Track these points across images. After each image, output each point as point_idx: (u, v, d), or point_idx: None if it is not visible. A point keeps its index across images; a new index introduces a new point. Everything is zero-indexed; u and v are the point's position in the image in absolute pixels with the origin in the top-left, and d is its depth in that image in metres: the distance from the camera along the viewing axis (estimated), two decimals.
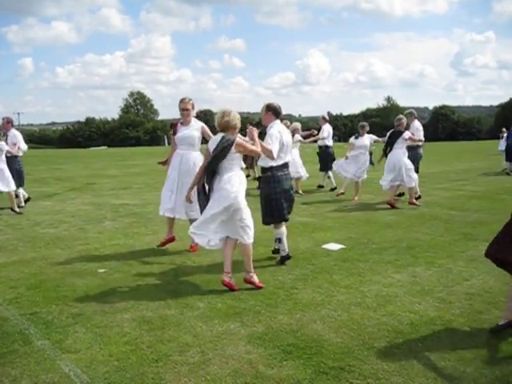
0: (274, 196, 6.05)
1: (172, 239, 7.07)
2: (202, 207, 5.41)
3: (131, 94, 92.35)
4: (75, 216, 9.91)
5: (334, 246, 7.07)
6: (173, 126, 7.11)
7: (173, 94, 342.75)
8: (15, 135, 10.93)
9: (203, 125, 6.97)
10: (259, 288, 5.30)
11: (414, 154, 11.18)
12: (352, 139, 12.15)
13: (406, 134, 10.51)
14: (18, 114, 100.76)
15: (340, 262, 6.27)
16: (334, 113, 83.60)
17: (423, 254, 6.56)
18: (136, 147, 55.89)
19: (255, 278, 5.38)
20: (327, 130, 13.60)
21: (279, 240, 6.29)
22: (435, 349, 3.88)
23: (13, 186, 10.35)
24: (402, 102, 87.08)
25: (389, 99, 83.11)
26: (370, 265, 6.16)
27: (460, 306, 4.74)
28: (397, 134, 10.56)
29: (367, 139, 11.98)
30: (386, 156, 10.84)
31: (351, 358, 3.75)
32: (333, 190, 13.43)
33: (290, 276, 5.75)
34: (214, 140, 5.43)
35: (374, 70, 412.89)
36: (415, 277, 5.65)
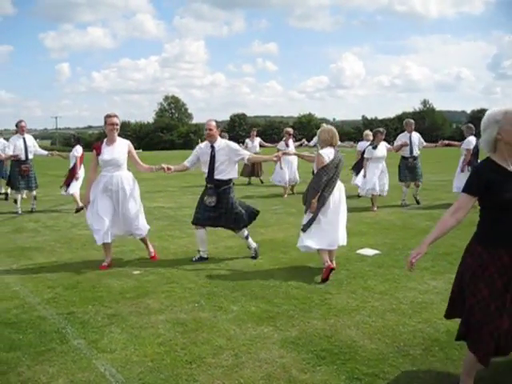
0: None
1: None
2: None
3: (166, 98, 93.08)
4: None
5: (368, 252, 7.01)
6: None
7: (207, 98, 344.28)
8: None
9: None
10: None
11: None
12: (369, 149, 10.86)
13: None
14: (56, 117, 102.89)
15: (375, 268, 6.21)
16: (368, 117, 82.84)
17: (460, 261, 6.42)
18: (170, 151, 56.30)
19: None
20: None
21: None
22: None
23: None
24: (438, 106, 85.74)
25: (425, 103, 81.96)
26: (405, 271, 6.05)
27: None
28: None
29: (384, 148, 10.93)
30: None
31: (386, 364, 3.71)
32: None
33: None
34: (330, 153, 5.92)
35: (410, 73, 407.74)
36: (452, 284, 5.54)
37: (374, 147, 10.80)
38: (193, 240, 7.70)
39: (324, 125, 6.34)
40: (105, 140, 6.42)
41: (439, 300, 5.04)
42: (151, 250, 6.88)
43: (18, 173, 10.89)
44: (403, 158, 11.55)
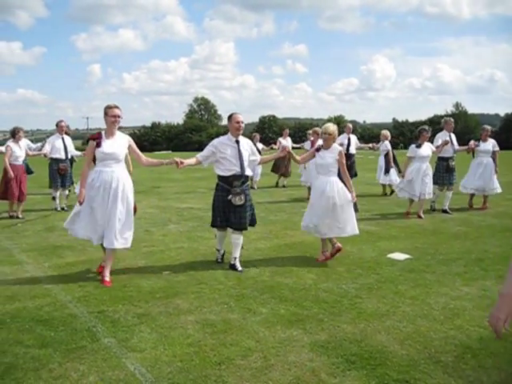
0: None
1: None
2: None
3: (195, 100, 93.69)
4: (141, 218, 10.08)
5: (399, 256, 6.93)
6: None
7: (236, 100, 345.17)
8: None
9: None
10: None
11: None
12: (413, 148, 10.23)
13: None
14: (87, 118, 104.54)
15: (405, 273, 6.14)
16: (399, 119, 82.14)
17: (493, 267, 6.32)
18: (199, 152, 56.61)
19: None
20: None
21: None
22: (506, 366, 3.73)
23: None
24: (470, 109, 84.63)
25: (457, 105, 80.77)
26: (436, 276, 6.00)
27: None
28: None
29: (429, 148, 10.33)
30: None
31: (417, 371, 3.65)
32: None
33: (353, 285, 5.67)
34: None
35: (441, 75, 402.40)
36: (485, 290, 5.45)
37: (418, 146, 10.11)
38: None
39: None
40: (103, 132, 5.85)
41: (471, 306, 4.96)
42: (107, 273, 5.87)
43: (56, 171, 11.30)
44: (442, 159, 10.83)
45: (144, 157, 6.24)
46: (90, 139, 5.89)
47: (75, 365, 3.75)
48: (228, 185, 6.26)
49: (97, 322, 4.58)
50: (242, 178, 6.29)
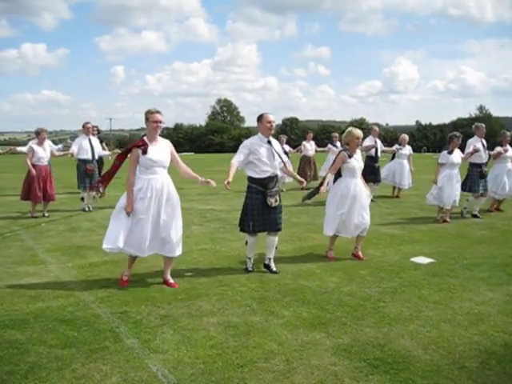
0: None
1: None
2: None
3: (218, 101, 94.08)
4: None
5: (422, 260, 6.87)
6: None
7: (259, 102, 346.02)
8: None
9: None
10: None
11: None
12: (445, 154, 9.85)
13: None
14: (110, 119, 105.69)
15: (429, 277, 6.08)
16: (422, 122, 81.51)
17: None
18: (221, 154, 56.66)
19: None
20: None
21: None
22: None
23: None
24: (495, 112, 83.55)
25: (481, 108, 79.78)
26: (460, 281, 5.93)
27: None
28: None
29: (459, 155, 10.00)
30: None
31: (441, 376, 3.62)
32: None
33: (376, 288, 5.63)
34: None
35: (465, 78, 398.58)
36: (510, 296, 5.37)
37: (450, 152, 9.78)
38: (244, 243, 7.73)
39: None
40: (145, 138, 5.67)
41: (496, 312, 4.90)
42: (169, 277, 5.91)
43: (83, 172, 11.44)
44: (474, 165, 10.45)
45: (183, 165, 6.03)
46: (133, 147, 5.66)
47: (98, 365, 3.78)
48: (263, 187, 6.15)
49: (120, 323, 4.61)
50: (275, 178, 6.26)
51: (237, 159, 6.18)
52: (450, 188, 9.80)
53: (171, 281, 5.84)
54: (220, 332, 4.40)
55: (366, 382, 3.54)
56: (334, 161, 6.94)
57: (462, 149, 10.34)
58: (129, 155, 5.74)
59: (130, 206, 5.54)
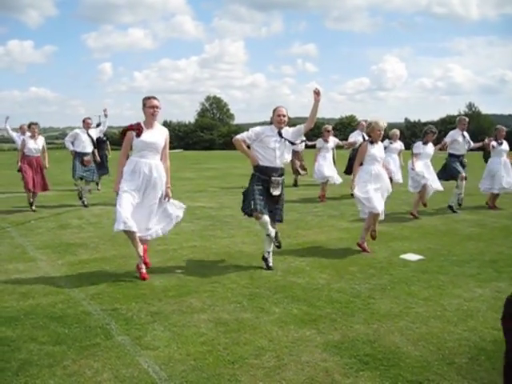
0: None
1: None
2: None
3: (207, 99, 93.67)
4: None
5: (412, 257, 6.90)
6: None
7: (247, 99, 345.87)
8: None
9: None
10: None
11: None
12: (420, 144, 10.23)
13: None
14: (99, 116, 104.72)
15: (419, 273, 6.11)
16: (411, 119, 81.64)
17: (507, 269, 6.28)
18: (210, 151, 56.59)
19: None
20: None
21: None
22: None
23: None
24: (483, 109, 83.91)
25: (470, 106, 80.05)
26: (450, 277, 5.97)
27: None
28: None
29: (432, 148, 10.40)
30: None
31: (430, 372, 3.64)
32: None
33: (366, 285, 5.66)
34: None
35: (452, 76, 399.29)
36: (499, 292, 5.41)
37: (425, 143, 10.18)
38: (234, 240, 7.79)
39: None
40: (142, 123, 5.76)
41: (485, 308, 4.93)
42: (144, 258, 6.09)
43: (80, 163, 11.76)
44: (453, 155, 10.82)
45: (167, 161, 6.07)
46: (128, 129, 5.76)
47: (89, 362, 3.77)
48: (267, 175, 6.19)
49: (110, 320, 4.60)
50: (279, 170, 6.27)
51: (245, 135, 6.35)
52: (429, 174, 10.14)
53: (143, 270, 5.95)
54: (211, 329, 4.40)
55: (356, 378, 3.56)
56: (357, 154, 7.54)
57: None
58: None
59: (117, 186, 5.74)
